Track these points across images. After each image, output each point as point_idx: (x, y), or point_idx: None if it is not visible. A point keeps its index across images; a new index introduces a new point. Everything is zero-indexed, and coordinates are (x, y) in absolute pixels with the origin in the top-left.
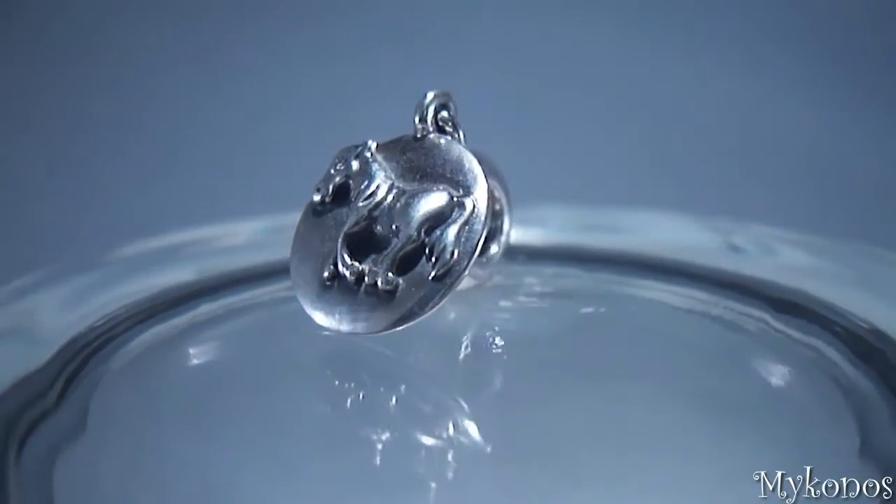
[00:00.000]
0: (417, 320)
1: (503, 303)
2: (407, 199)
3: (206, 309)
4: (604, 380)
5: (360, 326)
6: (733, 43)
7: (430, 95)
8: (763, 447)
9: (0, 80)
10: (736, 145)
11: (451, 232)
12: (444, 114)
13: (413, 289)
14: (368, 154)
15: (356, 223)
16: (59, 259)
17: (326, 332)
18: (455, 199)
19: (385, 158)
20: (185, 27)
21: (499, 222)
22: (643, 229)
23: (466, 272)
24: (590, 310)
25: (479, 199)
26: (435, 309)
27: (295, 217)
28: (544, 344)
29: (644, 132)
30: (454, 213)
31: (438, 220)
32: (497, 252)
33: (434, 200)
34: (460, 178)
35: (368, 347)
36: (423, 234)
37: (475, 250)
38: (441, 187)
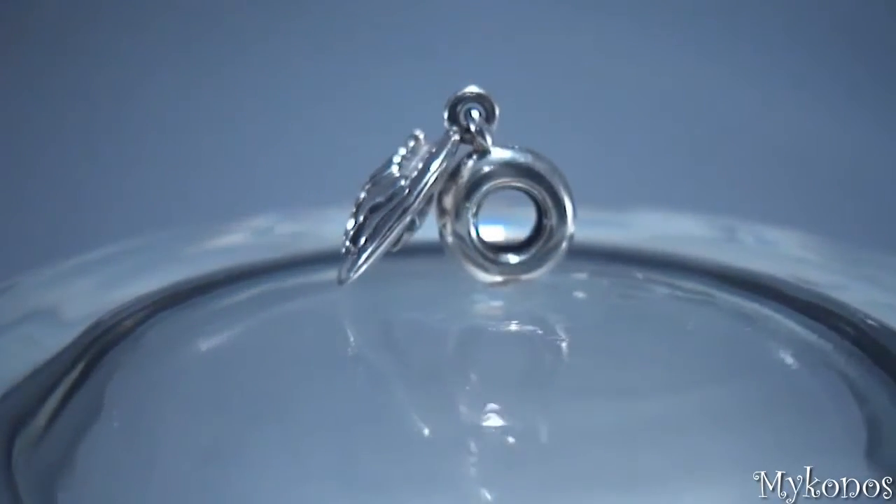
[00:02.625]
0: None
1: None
2: (381, 185)
3: (233, 298)
4: (610, 374)
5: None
6: (738, 42)
7: (456, 94)
8: (770, 446)
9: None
10: (741, 145)
11: (377, 217)
12: (475, 113)
13: (349, 261)
14: (411, 143)
15: (357, 199)
16: (91, 246)
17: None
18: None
19: (426, 150)
20: (192, 26)
21: (546, 223)
22: (649, 226)
23: (371, 256)
24: (590, 304)
25: (411, 191)
26: (345, 281)
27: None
28: (554, 337)
29: (646, 130)
30: (392, 201)
31: (382, 205)
32: (536, 253)
33: (389, 189)
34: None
35: (397, 336)
36: (366, 215)
37: (382, 236)
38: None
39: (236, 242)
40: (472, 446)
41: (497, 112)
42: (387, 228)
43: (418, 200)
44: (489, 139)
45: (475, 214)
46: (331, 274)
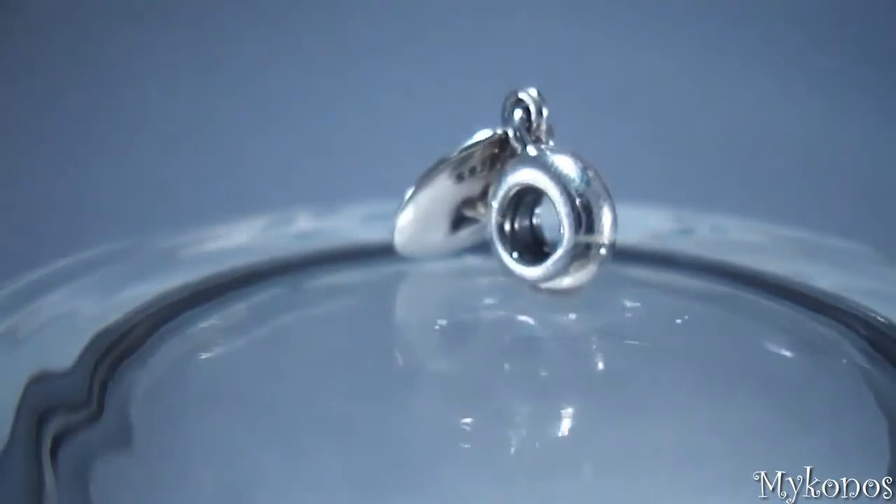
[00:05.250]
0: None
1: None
2: None
3: (246, 302)
4: (621, 375)
5: None
6: (731, 39)
7: (509, 93)
8: (797, 450)
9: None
10: (741, 144)
11: None
12: (516, 113)
13: None
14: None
15: None
16: (85, 248)
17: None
18: None
19: None
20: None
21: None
22: (649, 224)
23: (401, 209)
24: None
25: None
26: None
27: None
28: (550, 335)
29: (639, 128)
30: None
31: None
32: (547, 263)
33: None
34: None
35: (412, 340)
36: None
37: (414, 189)
38: None
39: (248, 241)
40: (498, 453)
41: (540, 114)
42: (418, 183)
43: (454, 155)
44: (523, 140)
45: (502, 213)
46: (349, 275)
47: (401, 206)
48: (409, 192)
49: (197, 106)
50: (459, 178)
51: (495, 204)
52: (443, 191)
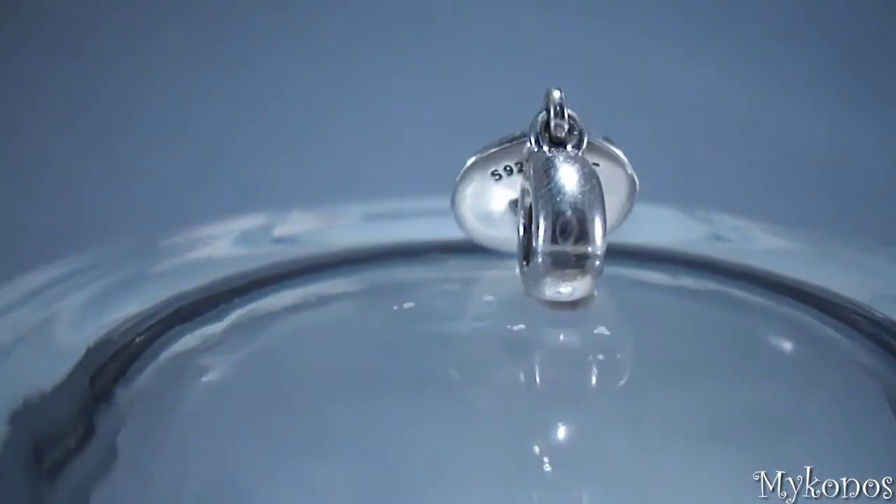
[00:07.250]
0: None
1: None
2: None
3: (230, 317)
4: (626, 373)
5: None
6: (735, 38)
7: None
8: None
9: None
10: (743, 144)
11: None
12: (542, 115)
13: None
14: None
15: None
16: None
17: None
18: None
19: None
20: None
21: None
22: (658, 225)
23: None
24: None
25: None
26: None
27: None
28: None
29: (643, 127)
30: None
31: None
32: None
33: None
34: None
35: (408, 350)
36: None
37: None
38: None
39: (224, 251)
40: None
41: (560, 116)
42: (477, 158)
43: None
44: (539, 142)
45: (525, 216)
46: (345, 282)
47: (460, 177)
48: (471, 161)
49: (195, 105)
50: (499, 175)
51: (518, 204)
52: (491, 186)
